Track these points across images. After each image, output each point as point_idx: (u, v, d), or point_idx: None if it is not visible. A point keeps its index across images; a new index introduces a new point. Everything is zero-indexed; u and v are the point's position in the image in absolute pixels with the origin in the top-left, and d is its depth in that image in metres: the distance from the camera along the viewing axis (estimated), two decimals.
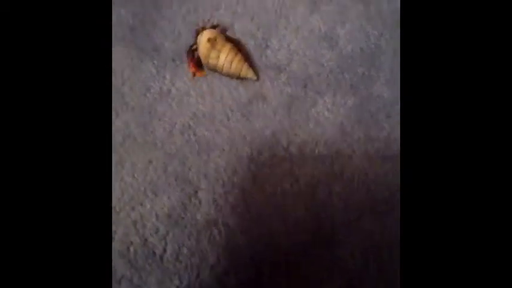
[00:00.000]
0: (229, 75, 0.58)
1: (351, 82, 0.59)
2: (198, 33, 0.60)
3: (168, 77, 0.60)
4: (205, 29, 0.60)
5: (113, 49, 0.62)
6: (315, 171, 0.55)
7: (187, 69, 0.60)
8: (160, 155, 0.56)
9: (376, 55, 0.61)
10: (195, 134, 0.57)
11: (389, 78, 0.60)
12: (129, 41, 0.63)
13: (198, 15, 0.64)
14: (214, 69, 0.59)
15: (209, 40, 0.57)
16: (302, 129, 0.57)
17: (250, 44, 0.62)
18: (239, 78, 0.59)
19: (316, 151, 0.56)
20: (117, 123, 0.58)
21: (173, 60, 0.61)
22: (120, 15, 0.64)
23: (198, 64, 0.59)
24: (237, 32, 0.62)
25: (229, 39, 0.60)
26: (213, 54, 0.57)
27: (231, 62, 0.57)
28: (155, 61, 0.61)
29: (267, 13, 0.64)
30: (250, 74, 0.58)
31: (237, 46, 0.60)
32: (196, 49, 0.59)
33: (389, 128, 0.57)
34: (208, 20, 0.63)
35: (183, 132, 0.57)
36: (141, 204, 0.53)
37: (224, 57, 0.57)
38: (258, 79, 0.59)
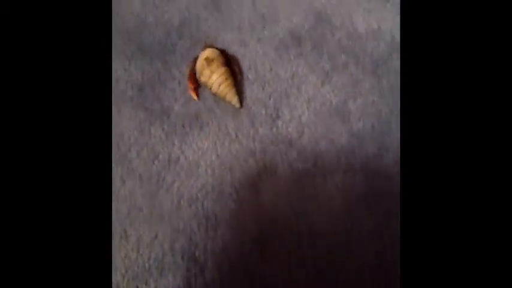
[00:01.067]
0: (216, 95, 0.60)
1: (361, 161, 0.59)
2: (203, 47, 0.62)
3: (177, 143, 0.59)
4: (208, 47, 0.61)
5: (121, 109, 0.61)
6: (323, 249, 0.55)
7: (188, 84, 0.62)
8: (167, 230, 0.55)
9: (386, 133, 0.61)
10: (203, 207, 0.56)
11: (397, 159, 0.60)
12: (138, 101, 0.61)
13: None
14: (205, 85, 0.61)
15: (206, 59, 0.59)
16: (311, 205, 0.57)
17: (261, 113, 0.61)
18: (224, 101, 0.61)
19: (325, 228, 0.56)
20: (122, 192, 0.56)
21: (183, 126, 0.60)
22: (130, 72, 0.63)
23: (196, 80, 0.62)
24: (248, 99, 0.62)
25: (226, 63, 0.61)
26: (206, 72, 0.59)
27: (220, 85, 0.59)
28: (164, 125, 0.60)
29: (279, 81, 0.63)
30: (234, 100, 0.60)
31: (232, 71, 0.62)
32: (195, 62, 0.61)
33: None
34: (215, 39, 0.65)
35: (190, 205, 0.56)
36: (146, 283, 0.52)
37: (215, 79, 0.59)
38: (241, 107, 0.61)
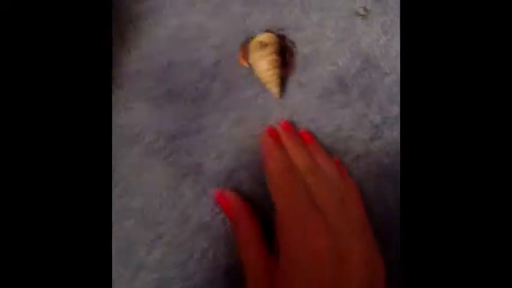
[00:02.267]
0: (259, 79, 0.57)
1: None
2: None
3: (208, 207, 0.53)
4: (270, 32, 0.58)
5: (152, 164, 0.55)
6: None
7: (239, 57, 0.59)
8: None
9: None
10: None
11: None
12: (167, 155, 0.56)
13: (246, 128, 0.57)
14: (251, 67, 0.57)
15: (261, 42, 0.56)
16: None
17: None
18: (264, 86, 0.57)
19: None
20: (150, 260, 0.51)
21: (217, 185, 0.54)
22: (160, 122, 0.57)
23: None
24: None
25: (281, 52, 0.57)
26: (256, 55, 0.56)
27: (267, 71, 0.55)
28: (195, 185, 0.54)
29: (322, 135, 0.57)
30: (274, 89, 0.56)
31: (285, 62, 0.58)
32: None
33: None
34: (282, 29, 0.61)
35: (224, 279, 0.50)
36: None
37: (263, 64, 0.55)
38: (280, 97, 0.57)
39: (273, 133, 0.53)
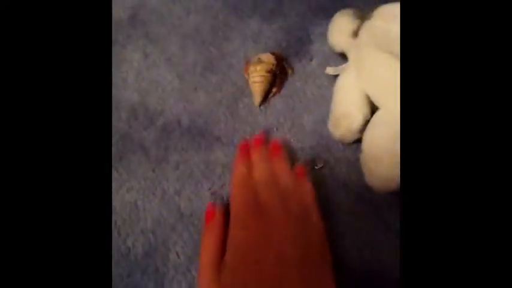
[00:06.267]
0: (249, 85, 0.66)
1: None
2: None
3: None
4: (275, 54, 0.68)
5: None
6: None
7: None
8: None
9: None
10: None
11: None
12: None
13: None
14: (247, 75, 0.68)
15: (259, 59, 0.66)
16: None
17: None
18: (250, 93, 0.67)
19: None
20: None
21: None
22: None
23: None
24: None
25: (274, 73, 0.67)
26: (252, 68, 0.66)
27: (255, 83, 0.65)
28: None
29: None
30: (256, 99, 0.65)
31: (274, 82, 0.67)
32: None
33: None
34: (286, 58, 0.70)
35: None
36: None
37: (254, 77, 0.65)
38: (258, 106, 0.65)
39: (245, 147, 0.58)
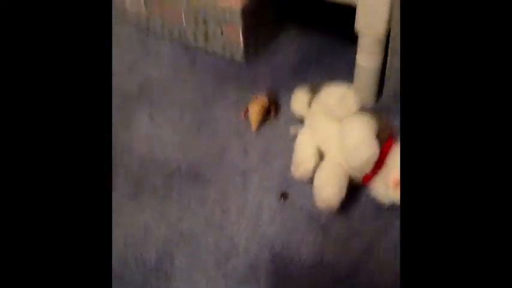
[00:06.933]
0: (246, 114, 0.92)
1: None
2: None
3: None
4: (270, 97, 0.92)
5: None
6: None
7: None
8: None
9: None
10: None
11: None
12: None
13: None
14: (246, 109, 0.92)
15: (257, 97, 0.92)
16: None
17: None
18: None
19: None
20: None
21: None
22: None
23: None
24: None
25: (265, 112, 0.91)
26: (251, 105, 0.91)
27: (253, 113, 0.90)
28: None
29: None
30: (253, 126, 0.90)
31: (264, 117, 0.91)
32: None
33: None
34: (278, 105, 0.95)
35: None
36: None
37: (253, 109, 0.90)
38: (255, 130, 0.90)
39: None
